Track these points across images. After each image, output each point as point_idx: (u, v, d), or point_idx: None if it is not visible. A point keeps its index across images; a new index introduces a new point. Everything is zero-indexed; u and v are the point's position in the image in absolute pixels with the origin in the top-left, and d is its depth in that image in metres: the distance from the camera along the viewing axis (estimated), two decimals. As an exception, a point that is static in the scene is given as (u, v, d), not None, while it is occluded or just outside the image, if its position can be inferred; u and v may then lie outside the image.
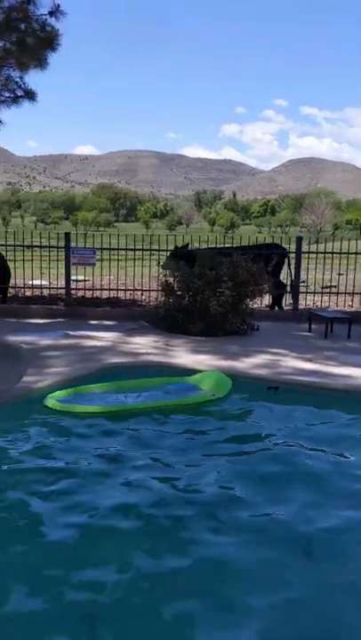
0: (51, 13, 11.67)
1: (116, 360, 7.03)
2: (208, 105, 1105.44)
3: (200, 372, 6.53)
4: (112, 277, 13.15)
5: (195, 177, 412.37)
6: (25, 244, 11.38)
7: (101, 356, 7.21)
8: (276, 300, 11.46)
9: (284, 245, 11.66)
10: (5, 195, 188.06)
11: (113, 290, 12.06)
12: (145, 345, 7.99)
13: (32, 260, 12.42)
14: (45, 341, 7.99)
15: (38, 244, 11.66)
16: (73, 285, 12.10)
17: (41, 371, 6.39)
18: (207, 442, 4.97)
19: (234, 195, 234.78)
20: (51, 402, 5.51)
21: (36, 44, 12.00)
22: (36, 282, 12.78)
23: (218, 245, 11.58)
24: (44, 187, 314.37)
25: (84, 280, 12.97)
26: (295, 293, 11.08)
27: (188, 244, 11.42)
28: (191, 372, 6.55)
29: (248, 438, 5.09)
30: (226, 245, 11.74)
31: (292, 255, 11.17)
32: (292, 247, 11.28)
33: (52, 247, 11.40)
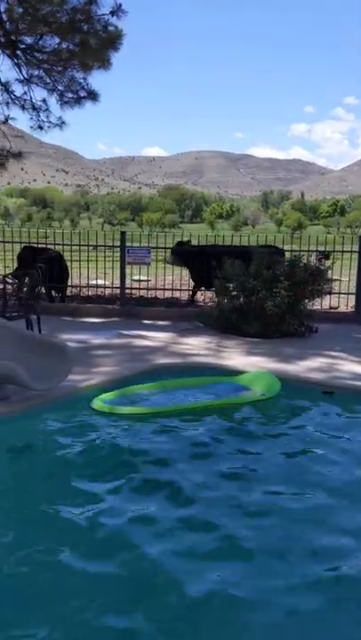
0: (112, 13, 11.65)
1: (166, 361, 6.90)
2: (276, 104, 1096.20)
3: (246, 372, 6.32)
4: (170, 277, 13.01)
5: (262, 177, 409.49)
6: (81, 243, 11.43)
7: (151, 357, 7.09)
8: None
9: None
10: (75, 197, 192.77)
11: (168, 290, 11.89)
12: (197, 346, 7.82)
13: (88, 260, 12.47)
14: (97, 340, 7.97)
15: (94, 243, 11.68)
16: (135, 285, 12.11)
17: (89, 370, 6.34)
18: (259, 443, 4.79)
19: (302, 195, 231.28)
20: (98, 404, 5.41)
21: (99, 44, 12.02)
22: (99, 281, 12.85)
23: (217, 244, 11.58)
24: (112, 188, 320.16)
25: (139, 280, 12.95)
26: (358, 295, 10.62)
27: (189, 240, 11.37)
28: (237, 373, 6.34)
29: (299, 441, 4.87)
30: (225, 244, 11.65)
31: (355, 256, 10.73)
32: (355, 247, 10.84)
33: (108, 247, 11.42)
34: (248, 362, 6.93)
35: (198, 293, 11.81)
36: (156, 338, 8.29)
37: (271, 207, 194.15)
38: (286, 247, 11.17)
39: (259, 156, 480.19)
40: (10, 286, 7.14)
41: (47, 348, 5.51)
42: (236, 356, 7.26)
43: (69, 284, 11.86)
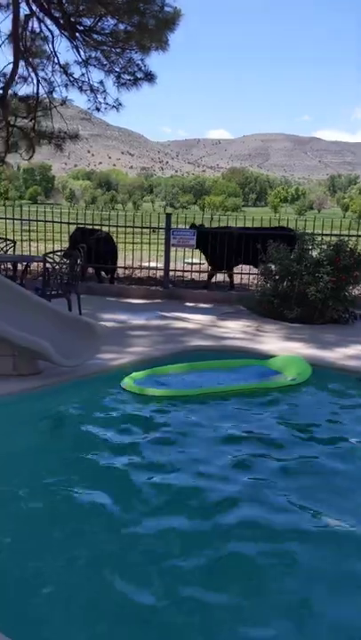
0: (166, -7, 11.55)
1: (200, 343, 6.88)
2: (345, 86, 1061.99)
3: (279, 356, 6.27)
4: None
5: (329, 160, 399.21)
6: (127, 224, 11.52)
7: (186, 339, 7.11)
8: None
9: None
10: (138, 180, 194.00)
11: (220, 273, 11.78)
12: (234, 329, 7.78)
13: (139, 242, 12.58)
14: (136, 321, 8.05)
15: (140, 225, 11.72)
16: (187, 268, 12.16)
17: (122, 349, 6.43)
18: (287, 428, 4.73)
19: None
20: (128, 383, 5.47)
21: (156, 25, 11.95)
22: (152, 264, 12.91)
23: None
24: (176, 171, 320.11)
25: (192, 263, 12.94)
26: None
27: (202, 224, 11.64)
28: (270, 357, 6.28)
29: (328, 426, 4.81)
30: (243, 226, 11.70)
31: None
32: None
33: (154, 228, 11.47)
34: (284, 347, 6.84)
35: (246, 277, 11.65)
36: (195, 320, 8.30)
37: (338, 191, 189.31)
38: (349, 233, 10.88)
39: (326, 139, 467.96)
40: (50, 265, 7.29)
41: (77, 325, 5.62)
42: (272, 341, 7.17)
43: (122, 265, 11.98)
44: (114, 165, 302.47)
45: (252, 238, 10.40)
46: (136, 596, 2.72)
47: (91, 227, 11.82)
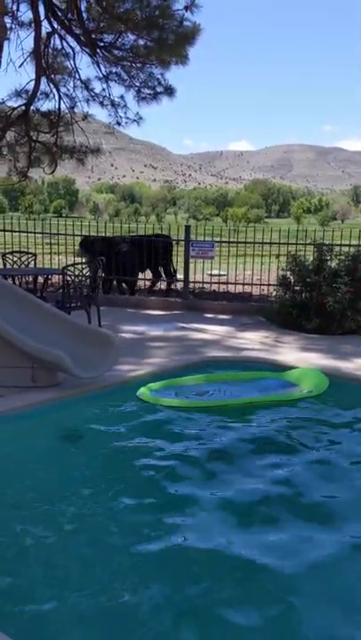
0: (186, 8, 11.64)
1: (217, 354, 6.91)
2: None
3: (296, 368, 6.25)
4: (249, 272, 12.79)
5: (353, 171, 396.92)
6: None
7: (203, 350, 7.13)
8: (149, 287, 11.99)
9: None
10: (161, 192, 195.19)
11: (240, 284, 11.73)
12: (253, 340, 7.78)
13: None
14: (154, 332, 8.10)
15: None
16: (206, 279, 12.16)
17: (140, 360, 6.47)
18: (305, 441, 4.70)
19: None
20: (144, 394, 5.51)
21: (176, 40, 12.06)
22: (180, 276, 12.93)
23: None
24: (199, 183, 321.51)
25: (218, 275, 12.93)
26: None
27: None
28: (286, 368, 6.27)
29: (345, 438, 4.81)
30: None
31: None
32: None
33: (173, 240, 11.54)
34: (301, 358, 6.82)
35: (269, 288, 11.52)
36: (214, 331, 8.32)
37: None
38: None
39: (350, 149, 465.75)
40: (70, 278, 7.39)
41: (95, 337, 5.68)
42: (289, 352, 7.15)
43: (143, 277, 12.06)
44: (137, 178, 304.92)
45: (134, 245, 11.07)
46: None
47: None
